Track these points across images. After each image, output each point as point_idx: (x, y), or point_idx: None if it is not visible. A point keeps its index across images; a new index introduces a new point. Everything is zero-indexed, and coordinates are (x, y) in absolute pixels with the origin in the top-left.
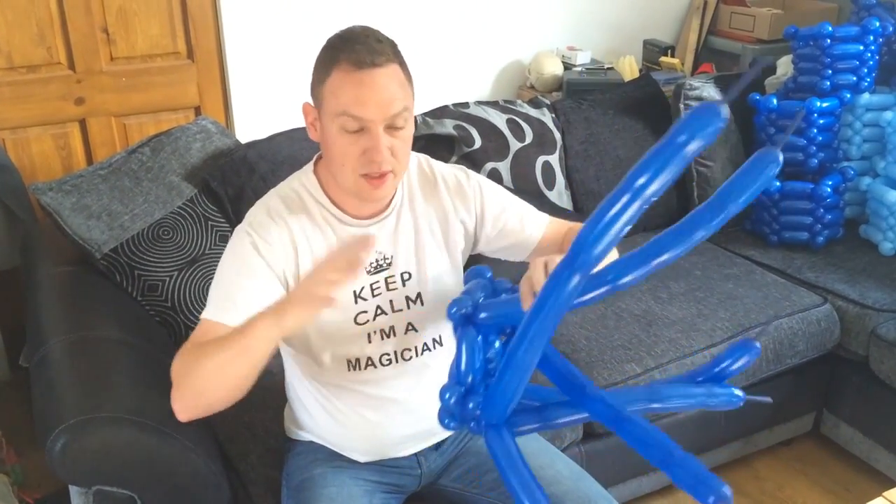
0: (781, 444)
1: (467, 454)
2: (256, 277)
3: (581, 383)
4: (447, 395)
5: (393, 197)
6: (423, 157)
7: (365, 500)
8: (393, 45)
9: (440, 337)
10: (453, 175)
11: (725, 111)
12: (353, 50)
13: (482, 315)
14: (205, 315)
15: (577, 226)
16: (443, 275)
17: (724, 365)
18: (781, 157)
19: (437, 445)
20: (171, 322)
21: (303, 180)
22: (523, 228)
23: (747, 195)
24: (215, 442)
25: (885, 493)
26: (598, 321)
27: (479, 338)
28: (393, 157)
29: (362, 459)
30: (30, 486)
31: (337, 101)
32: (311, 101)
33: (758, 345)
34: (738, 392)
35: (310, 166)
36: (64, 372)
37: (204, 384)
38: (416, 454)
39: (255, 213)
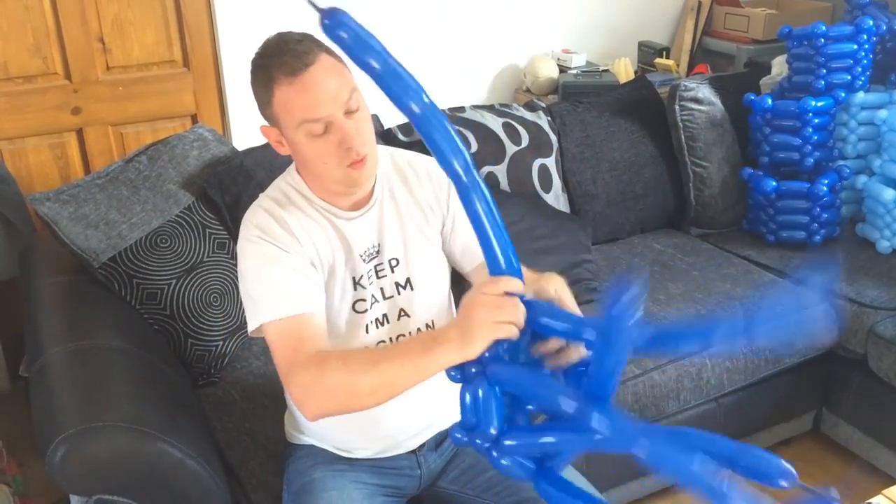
0: (781, 443)
1: (463, 454)
2: (293, 264)
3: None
4: (457, 435)
5: (374, 188)
6: (396, 150)
7: (365, 503)
8: (311, 37)
9: (433, 322)
10: (424, 166)
11: None
12: (282, 61)
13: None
14: (271, 317)
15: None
16: (429, 258)
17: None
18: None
19: (437, 445)
20: (169, 330)
21: (288, 181)
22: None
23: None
24: (216, 449)
25: (885, 491)
26: None
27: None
28: (362, 136)
29: (364, 455)
30: (32, 496)
31: (291, 114)
32: (265, 123)
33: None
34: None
35: (293, 167)
36: (63, 381)
37: (357, 398)
38: (415, 453)
39: (254, 216)
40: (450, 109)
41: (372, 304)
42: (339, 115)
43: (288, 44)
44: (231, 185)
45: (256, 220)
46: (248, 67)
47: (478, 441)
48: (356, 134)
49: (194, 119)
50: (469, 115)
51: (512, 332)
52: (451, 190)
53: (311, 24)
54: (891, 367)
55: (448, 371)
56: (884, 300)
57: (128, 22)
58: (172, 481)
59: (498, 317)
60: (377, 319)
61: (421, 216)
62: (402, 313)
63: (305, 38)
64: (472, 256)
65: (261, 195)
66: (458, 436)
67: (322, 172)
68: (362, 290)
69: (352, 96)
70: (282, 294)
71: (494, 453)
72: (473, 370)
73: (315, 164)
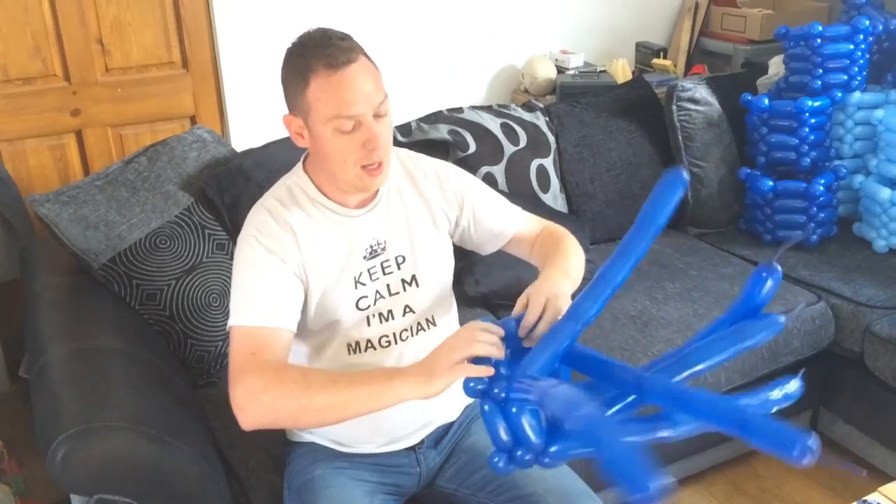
0: None
1: (459, 451)
2: (278, 275)
3: (626, 372)
4: (497, 462)
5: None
6: (405, 152)
7: (366, 500)
8: (352, 38)
9: (432, 317)
10: (433, 168)
11: None
12: (325, 53)
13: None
14: (241, 322)
15: (551, 228)
16: (435, 254)
17: (751, 296)
18: (687, 175)
19: (436, 443)
20: (169, 330)
21: (294, 179)
22: (497, 221)
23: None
24: (216, 449)
25: (881, 489)
26: (594, 323)
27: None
28: (385, 142)
29: (366, 450)
30: (32, 496)
31: (325, 106)
32: (288, 112)
33: (778, 267)
34: (781, 318)
35: (299, 166)
36: (63, 382)
37: (307, 413)
38: (415, 450)
39: (256, 216)
40: (448, 110)
41: (376, 300)
42: (369, 116)
43: (331, 38)
44: (230, 185)
45: (257, 221)
46: (247, 68)
47: (526, 458)
48: (381, 137)
49: (193, 120)
50: (467, 115)
51: (480, 372)
52: (466, 186)
53: (310, 26)
54: (887, 365)
55: (467, 383)
56: (880, 299)
57: (126, 23)
58: (173, 481)
59: (464, 353)
60: (381, 314)
61: (428, 216)
62: (408, 309)
63: (348, 37)
64: (499, 238)
65: (265, 194)
66: (500, 462)
67: (337, 170)
68: (363, 288)
69: (383, 101)
70: (258, 303)
71: (546, 459)
72: (496, 390)
73: (333, 161)
